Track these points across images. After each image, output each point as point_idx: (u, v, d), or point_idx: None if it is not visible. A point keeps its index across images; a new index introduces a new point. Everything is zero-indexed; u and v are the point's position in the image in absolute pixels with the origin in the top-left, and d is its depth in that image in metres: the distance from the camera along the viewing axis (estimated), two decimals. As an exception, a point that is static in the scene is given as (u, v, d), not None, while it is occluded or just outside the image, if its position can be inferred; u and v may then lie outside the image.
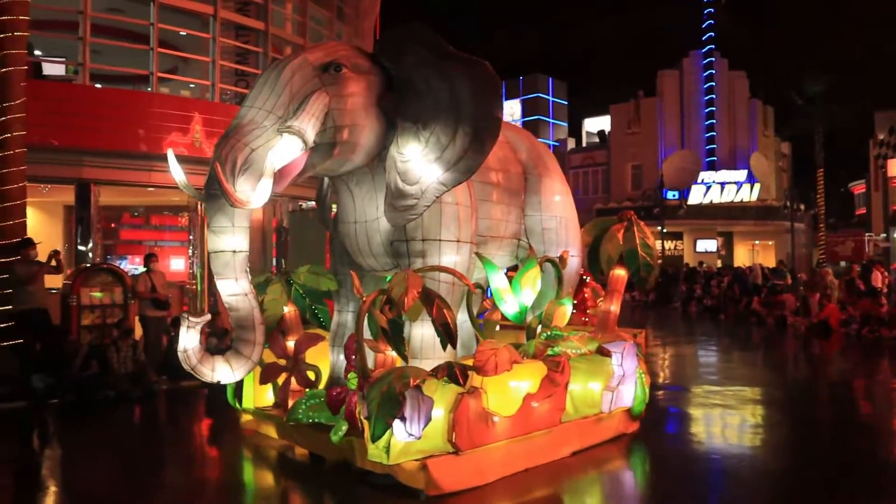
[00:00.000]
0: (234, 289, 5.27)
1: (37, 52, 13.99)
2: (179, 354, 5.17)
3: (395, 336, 5.33)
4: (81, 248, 12.13)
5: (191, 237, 14.17)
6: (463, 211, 6.02)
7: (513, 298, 6.23)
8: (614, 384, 6.50)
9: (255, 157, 5.06)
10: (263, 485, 5.96)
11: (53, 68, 13.95)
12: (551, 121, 42.75)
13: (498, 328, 7.38)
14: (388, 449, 4.95)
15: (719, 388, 9.52)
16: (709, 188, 32.96)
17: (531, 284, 6.36)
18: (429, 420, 4.94)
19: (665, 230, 30.78)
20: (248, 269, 5.34)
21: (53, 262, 8.90)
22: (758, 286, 21.10)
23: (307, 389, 6.32)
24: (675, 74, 36.03)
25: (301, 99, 5.21)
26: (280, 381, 6.46)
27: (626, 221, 7.33)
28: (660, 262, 7.46)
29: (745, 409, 8.35)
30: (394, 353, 5.31)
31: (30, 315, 8.62)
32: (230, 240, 5.18)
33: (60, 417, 8.09)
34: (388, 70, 5.75)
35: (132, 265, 15.26)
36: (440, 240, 5.88)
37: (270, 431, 6.57)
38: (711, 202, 32.85)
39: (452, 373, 5.16)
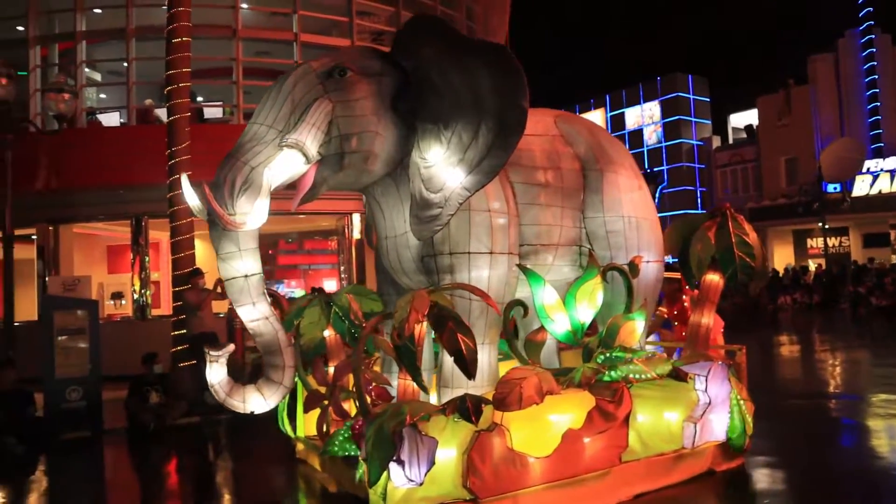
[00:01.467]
0: (254, 314, 4.81)
1: (199, 99, 15.38)
2: (210, 388, 4.82)
3: (408, 364, 4.64)
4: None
5: (340, 258, 15.58)
6: (497, 218, 5.23)
7: (563, 316, 5.32)
8: (698, 414, 5.38)
9: (254, 175, 4.64)
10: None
11: (212, 112, 15.09)
12: (693, 119, 40.20)
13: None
14: (384, 495, 4.23)
15: None
16: (876, 177, 29.30)
17: (588, 298, 5.41)
18: (432, 463, 4.17)
19: (827, 226, 27.83)
20: (265, 292, 4.88)
21: (219, 289, 9.24)
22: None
23: (346, 420, 5.75)
24: (829, 58, 32.51)
25: (303, 109, 4.74)
26: (319, 410, 5.92)
27: (718, 217, 6.19)
28: (768, 265, 6.20)
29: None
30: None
31: (201, 338, 8.91)
32: (240, 264, 4.75)
33: (229, 431, 8.37)
34: (404, 69, 5.12)
35: (288, 288, 17.19)
36: (469, 252, 5.12)
37: (315, 463, 6.05)
38: (880, 192, 29.18)
39: (464, 407, 4.37)
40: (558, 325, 5.28)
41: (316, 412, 5.87)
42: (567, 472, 4.73)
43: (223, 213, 4.50)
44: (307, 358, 5.94)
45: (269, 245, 17.05)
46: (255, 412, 4.89)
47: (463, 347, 4.42)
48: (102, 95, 16.47)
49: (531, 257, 5.54)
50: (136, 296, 13.52)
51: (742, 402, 5.64)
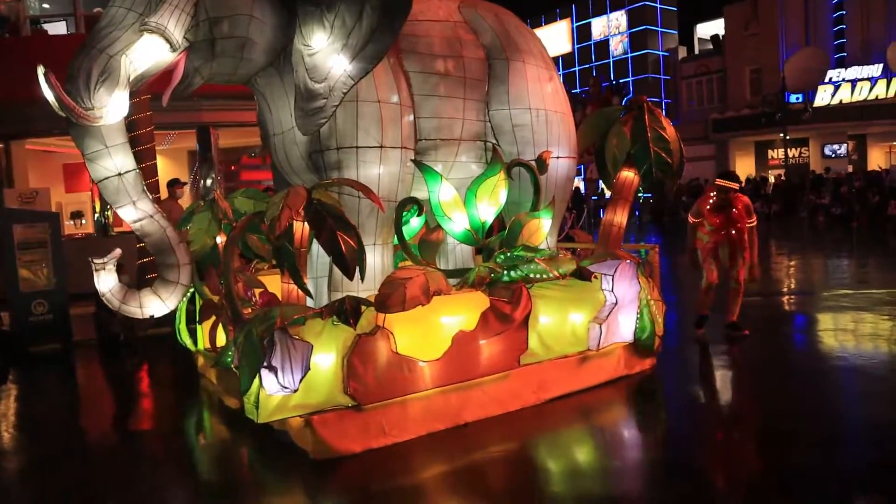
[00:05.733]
0: (136, 213, 4.41)
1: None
2: (102, 297, 4.48)
3: (288, 265, 4.34)
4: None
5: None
6: (388, 109, 4.83)
7: (461, 214, 5.01)
8: (604, 315, 5.18)
9: (112, 64, 4.15)
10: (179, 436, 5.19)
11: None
12: (660, 30, 39.42)
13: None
14: (258, 403, 3.98)
15: (851, 291, 8.99)
16: (837, 87, 28.92)
17: (490, 195, 5.10)
18: (306, 369, 3.92)
19: (788, 137, 27.69)
20: (144, 189, 4.48)
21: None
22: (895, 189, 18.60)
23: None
24: (797, -36, 31.63)
25: None
26: (209, 322, 5.63)
27: (635, 111, 5.85)
28: (684, 161, 5.90)
29: (879, 311, 7.60)
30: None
31: None
32: (110, 163, 4.31)
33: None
34: None
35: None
36: (357, 146, 4.75)
37: (212, 376, 5.79)
38: (841, 102, 28.84)
39: (342, 309, 4.10)
40: (456, 223, 4.99)
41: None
42: (460, 375, 4.52)
43: (75, 107, 4.04)
44: (200, 266, 5.59)
45: (231, 161, 16.29)
46: (155, 316, 4.60)
47: (343, 247, 4.12)
48: (46, 5, 15.56)
49: (431, 153, 5.19)
50: (96, 215, 13.13)
51: (652, 302, 5.45)
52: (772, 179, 29.11)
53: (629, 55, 39.79)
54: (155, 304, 4.54)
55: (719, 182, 6.69)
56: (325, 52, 4.50)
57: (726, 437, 4.45)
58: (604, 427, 4.69)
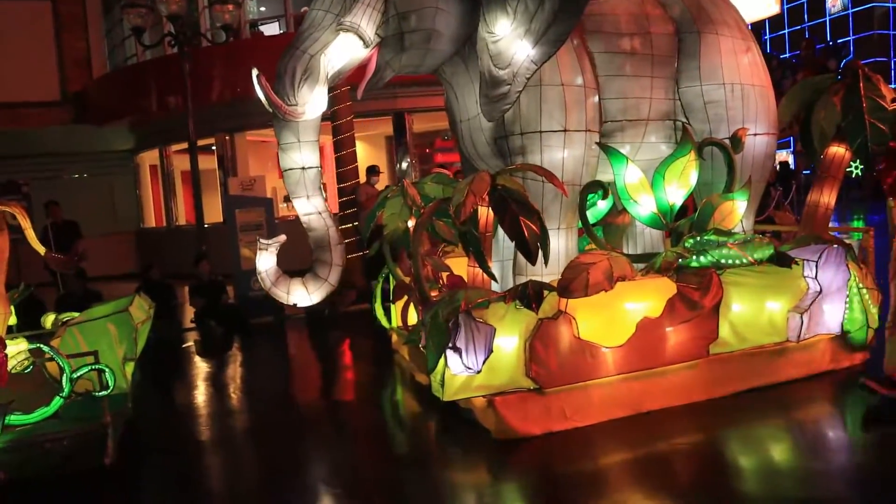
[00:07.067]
0: (307, 207, 4.85)
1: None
2: (258, 276, 4.99)
3: (474, 250, 4.48)
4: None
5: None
6: (571, 92, 4.79)
7: (648, 197, 4.87)
8: (806, 304, 4.81)
9: (313, 63, 4.56)
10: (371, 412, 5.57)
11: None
12: (889, -21, 35.09)
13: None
14: (443, 382, 4.18)
15: None
16: None
17: (679, 177, 4.92)
18: (490, 351, 4.05)
19: None
20: (321, 187, 4.89)
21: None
22: None
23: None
24: None
25: None
26: (401, 301, 5.96)
27: (848, 79, 5.32)
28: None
29: None
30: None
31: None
32: (298, 156, 4.75)
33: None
34: None
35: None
36: (540, 131, 4.77)
37: (405, 353, 6.15)
38: None
39: (525, 294, 4.17)
40: (643, 207, 4.86)
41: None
42: (644, 363, 4.43)
43: (281, 104, 4.47)
44: (394, 249, 5.93)
45: (425, 144, 17.11)
46: (297, 305, 4.98)
47: (526, 232, 4.18)
48: (262, 8, 17.17)
49: (617, 134, 5.09)
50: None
51: (865, 290, 4.96)
52: None
53: (850, 11, 35.87)
54: (301, 294, 4.87)
55: None
56: (509, 38, 4.54)
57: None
58: (804, 424, 4.38)
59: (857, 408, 4.63)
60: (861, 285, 4.97)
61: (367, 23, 4.49)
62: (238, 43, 13.67)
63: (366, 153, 15.96)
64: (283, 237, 4.92)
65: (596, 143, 4.91)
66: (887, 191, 4.56)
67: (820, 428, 4.37)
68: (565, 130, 4.77)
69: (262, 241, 4.87)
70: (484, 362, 4.05)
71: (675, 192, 4.91)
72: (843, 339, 5.03)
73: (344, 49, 4.60)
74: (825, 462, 3.84)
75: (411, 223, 5.98)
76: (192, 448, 4.73)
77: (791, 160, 24.23)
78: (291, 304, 5.00)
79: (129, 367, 4.95)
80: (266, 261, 4.86)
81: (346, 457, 4.43)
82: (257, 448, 4.74)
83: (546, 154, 4.76)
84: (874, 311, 5.02)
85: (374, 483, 3.96)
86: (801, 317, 4.75)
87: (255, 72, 4.40)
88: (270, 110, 4.60)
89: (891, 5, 34.57)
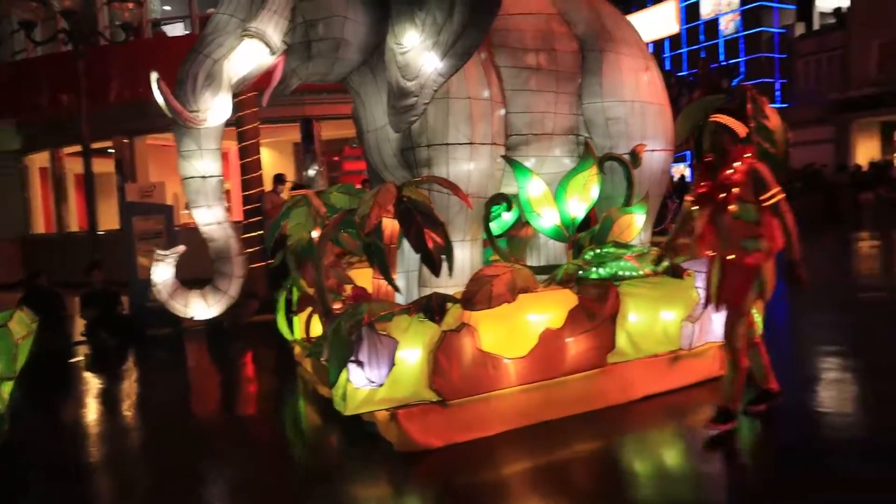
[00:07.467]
0: (208, 218, 4.69)
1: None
2: (153, 289, 4.79)
3: (378, 262, 4.44)
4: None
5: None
6: (478, 106, 4.84)
7: (551, 210, 4.97)
8: (697, 313, 5.02)
9: (217, 68, 4.42)
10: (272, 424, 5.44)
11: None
12: (776, 5, 37.32)
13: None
14: (345, 397, 4.12)
15: None
16: (978, 61, 26.65)
17: (581, 191, 5.04)
18: (392, 364, 4.02)
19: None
20: (222, 196, 4.74)
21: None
22: None
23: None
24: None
25: None
26: (305, 313, 5.85)
27: (736, 100, 5.60)
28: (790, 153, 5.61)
29: None
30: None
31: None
32: (199, 164, 4.59)
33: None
34: None
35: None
36: (447, 143, 4.79)
37: (308, 365, 6.03)
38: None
39: (428, 306, 4.17)
40: (546, 219, 4.96)
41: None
42: (546, 373, 4.51)
43: (181, 110, 4.31)
44: (298, 259, 5.81)
45: (333, 151, 16.89)
46: (195, 318, 4.84)
47: (430, 244, 4.17)
48: (166, 7, 16.50)
49: (522, 148, 5.17)
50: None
51: (752, 301, 5.21)
52: (898, 163, 27.12)
53: (741, 34, 37.97)
54: (199, 307, 4.75)
55: (717, 118, 4.36)
56: (417, 49, 4.54)
57: (825, 447, 4.20)
58: (695, 429, 4.56)
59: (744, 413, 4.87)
60: (748, 296, 5.22)
61: (273, 29, 4.41)
62: (139, 42, 13.09)
63: (272, 160, 15.64)
64: (181, 248, 4.74)
65: (501, 156, 4.98)
66: (695, 200, 4.40)
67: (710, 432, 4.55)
68: (471, 143, 4.81)
69: (158, 252, 4.68)
70: (387, 375, 4.02)
71: (577, 206, 5.04)
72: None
73: (249, 55, 4.48)
74: (715, 466, 4.01)
75: (316, 234, 5.90)
76: (77, 471, 4.45)
77: (688, 173, 25.37)
78: (189, 317, 4.82)
79: (7, 387, 4.64)
80: (162, 272, 4.67)
81: (245, 473, 4.29)
82: (150, 468, 4.52)
83: (452, 166, 4.79)
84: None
85: (273, 500, 3.85)
86: (693, 326, 4.95)
87: (154, 76, 4.23)
88: (171, 116, 4.44)
89: (775, 30, 36.87)
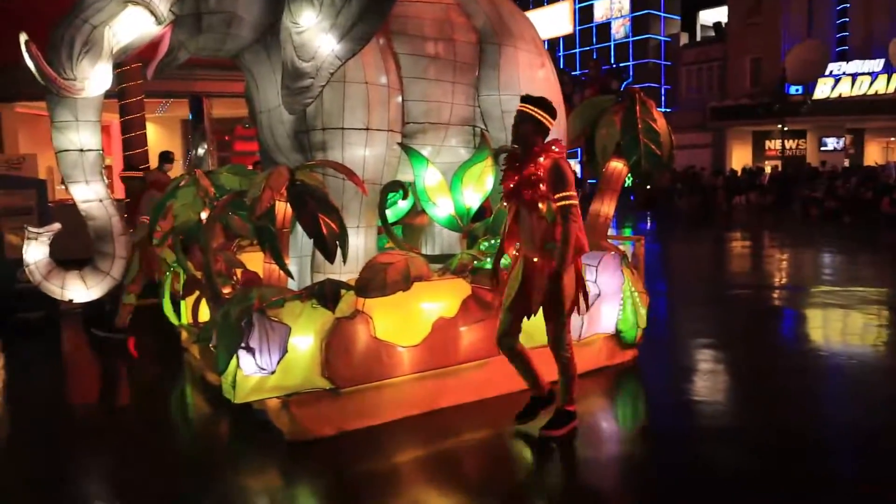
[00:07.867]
0: (87, 194, 4.42)
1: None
2: (26, 269, 4.46)
3: (270, 246, 4.31)
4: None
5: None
6: (375, 91, 4.79)
7: (446, 199, 5.00)
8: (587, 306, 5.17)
9: (95, 35, 4.13)
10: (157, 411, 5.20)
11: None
12: (663, 14, 39.03)
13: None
14: (234, 384, 3.99)
15: (839, 288, 9.02)
16: (838, 81, 28.81)
17: (476, 182, 5.09)
18: (284, 351, 3.92)
19: (786, 128, 27.76)
20: (102, 172, 4.46)
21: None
22: (890, 186, 18.71)
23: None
24: (803, -45, 31.38)
25: None
26: (192, 298, 5.61)
27: (626, 101, 5.81)
28: (674, 154, 5.87)
29: (867, 310, 7.65)
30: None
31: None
32: (75, 137, 4.31)
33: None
34: None
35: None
36: (343, 127, 4.71)
37: (195, 352, 5.79)
38: (840, 96, 28.80)
39: (321, 293, 4.09)
40: (441, 209, 4.98)
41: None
42: (439, 362, 4.53)
43: (55, 77, 4.04)
44: (185, 241, 5.57)
45: (224, 131, 16.22)
46: (74, 301, 4.59)
47: (324, 229, 4.09)
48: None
49: (419, 136, 5.16)
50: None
51: (636, 294, 5.46)
52: (768, 170, 29.09)
53: (630, 39, 39.49)
54: (78, 289, 4.52)
55: (523, 107, 4.08)
56: (314, 30, 4.43)
57: (700, 434, 4.45)
58: (581, 416, 4.70)
59: (628, 400, 5.09)
60: (633, 289, 5.46)
61: None
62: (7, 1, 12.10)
63: (158, 136, 14.88)
64: (56, 225, 4.45)
65: (398, 143, 4.95)
66: (504, 196, 4.15)
67: (595, 420, 4.71)
68: (367, 129, 4.76)
69: (30, 229, 4.37)
70: (278, 363, 3.92)
71: (472, 196, 5.09)
72: (616, 337, 5.48)
73: (132, 23, 4.23)
74: (598, 451, 4.16)
75: (204, 215, 5.66)
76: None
77: (579, 169, 26.22)
78: (67, 299, 4.53)
79: None
80: (35, 251, 4.38)
81: (127, 467, 4.06)
82: (19, 463, 4.20)
83: (347, 151, 4.72)
84: (643, 311, 5.53)
85: (156, 494, 3.67)
86: (582, 318, 5.11)
87: (23, 37, 3.92)
88: (43, 83, 4.13)
89: (662, 38, 38.63)
